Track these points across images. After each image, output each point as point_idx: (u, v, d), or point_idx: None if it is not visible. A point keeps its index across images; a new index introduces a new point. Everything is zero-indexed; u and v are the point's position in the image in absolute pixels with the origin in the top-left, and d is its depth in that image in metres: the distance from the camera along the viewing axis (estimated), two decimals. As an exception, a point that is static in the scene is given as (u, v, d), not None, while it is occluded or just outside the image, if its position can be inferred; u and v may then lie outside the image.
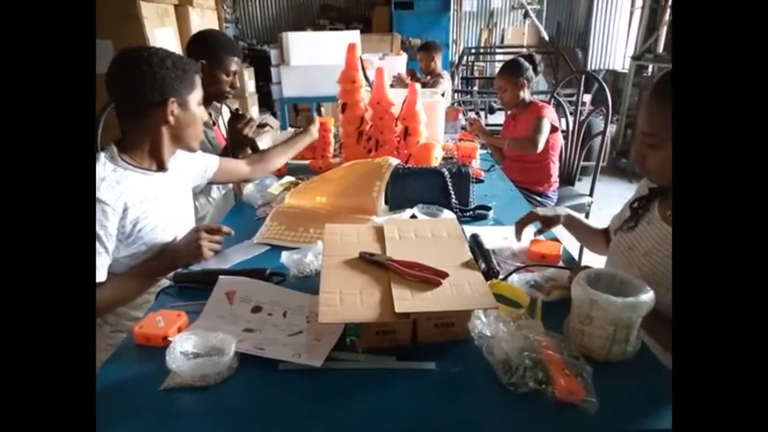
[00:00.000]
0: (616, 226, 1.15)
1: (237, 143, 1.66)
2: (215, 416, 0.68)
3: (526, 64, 2.30)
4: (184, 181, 1.33)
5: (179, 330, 0.83)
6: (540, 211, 1.21)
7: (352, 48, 1.67)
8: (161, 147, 1.16)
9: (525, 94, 2.32)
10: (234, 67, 1.66)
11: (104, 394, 0.70)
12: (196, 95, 1.16)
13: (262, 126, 1.71)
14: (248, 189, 1.53)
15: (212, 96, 1.69)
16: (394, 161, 1.37)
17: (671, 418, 0.66)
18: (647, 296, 0.75)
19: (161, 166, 1.19)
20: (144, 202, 1.13)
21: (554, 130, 2.26)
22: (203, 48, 1.63)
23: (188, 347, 0.75)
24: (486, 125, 2.81)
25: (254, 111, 4.05)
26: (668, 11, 4.88)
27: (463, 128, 2.43)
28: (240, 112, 1.69)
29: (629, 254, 1.04)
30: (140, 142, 1.14)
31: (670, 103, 0.90)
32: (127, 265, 1.13)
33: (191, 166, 1.36)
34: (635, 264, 1.00)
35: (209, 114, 1.71)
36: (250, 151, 1.70)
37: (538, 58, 2.40)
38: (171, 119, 1.11)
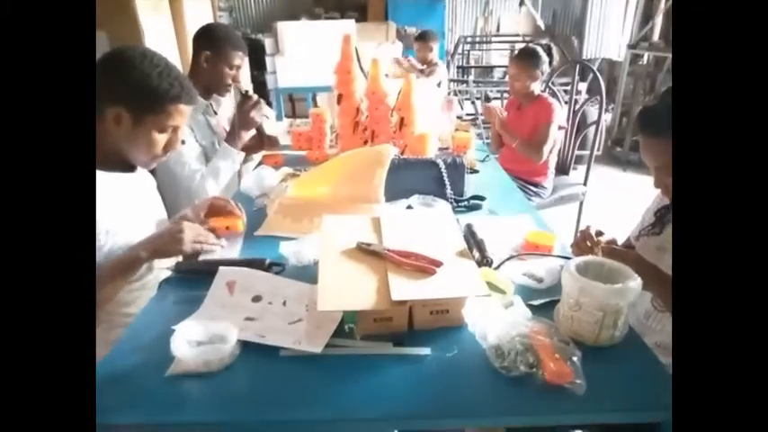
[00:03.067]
0: (636, 233, 1.21)
1: (244, 125, 1.65)
2: (218, 401, 0.71)
3: (544, 56, 2.21)
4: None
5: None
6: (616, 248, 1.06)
7: (347, 38, 1.68)
8: (116, 149, 1.07)
9: (535, 87, 2.25)
10: (237, 62, 1.68)
11: (111, 382, 0.73)
12: (161, 122, 1.05)
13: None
14: (246, 180, 1.55)
15: (213, 89, 1.71)
16: (393, 149, 1.38)
17: (655, 397, 0.70)
18: (635, 283, 0.78)
19: (127, 167, 1.12)
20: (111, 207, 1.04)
21: (559, 128, 2.21)
22: (210, 39, 1.64)
23: (192, 335, 0.78)
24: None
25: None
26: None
27: (459, 117, 2.42)
28: (249, 94, 1.69)
29: (659, 254, 1.08)
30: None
31: (661, 136, 0.92)
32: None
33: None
34: (665, 263, 1.04)
35: (210, 105, 1.72)
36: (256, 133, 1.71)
37: (554, 49, 2.27)
38: (119, 127, 1.02)
